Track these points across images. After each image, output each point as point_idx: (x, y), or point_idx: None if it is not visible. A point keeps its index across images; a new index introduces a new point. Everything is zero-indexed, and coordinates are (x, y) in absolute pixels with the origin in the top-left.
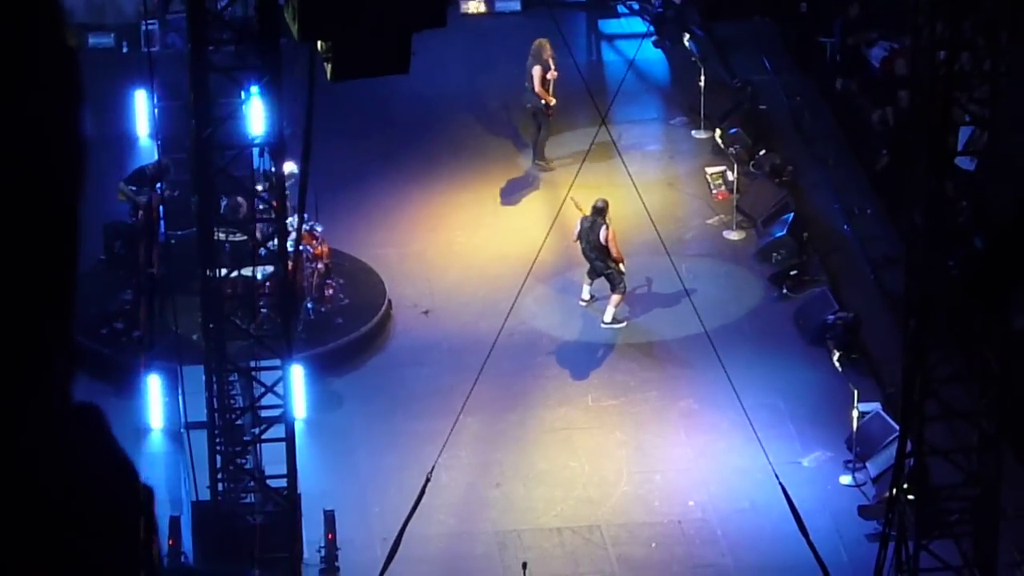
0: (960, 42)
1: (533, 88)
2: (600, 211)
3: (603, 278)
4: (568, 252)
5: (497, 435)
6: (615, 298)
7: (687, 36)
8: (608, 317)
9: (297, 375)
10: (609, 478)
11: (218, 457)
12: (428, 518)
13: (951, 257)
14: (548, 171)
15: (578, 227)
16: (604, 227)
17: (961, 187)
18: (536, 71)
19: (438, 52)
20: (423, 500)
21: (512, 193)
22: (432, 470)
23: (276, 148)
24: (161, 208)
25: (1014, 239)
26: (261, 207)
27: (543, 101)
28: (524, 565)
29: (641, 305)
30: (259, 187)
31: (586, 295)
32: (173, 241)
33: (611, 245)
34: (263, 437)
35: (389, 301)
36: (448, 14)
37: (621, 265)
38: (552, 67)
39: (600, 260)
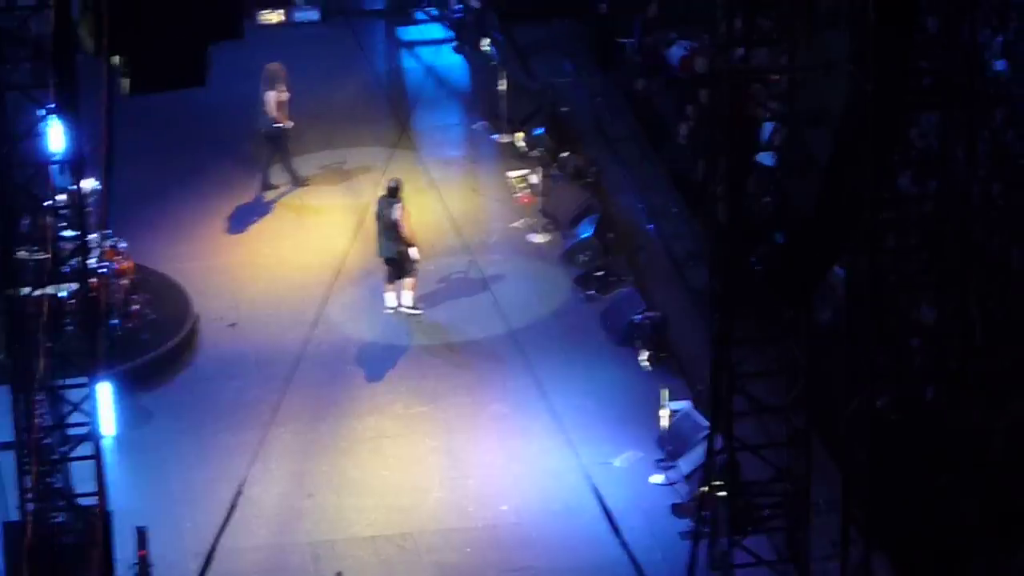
0: (757, 38)
1: (268, 112)
2: (394, 191)
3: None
4: (373, 260)
5: (308, 445)
6: (409, 281)
7: (487, 41)
8: (407, 301)
9: (105, 392)
10: (422, 485)
11: (27, 477)
12: (241, 531)
13: (754, 253)
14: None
15: (376, 207)
16: (399, 206)
17: (762, 183)
18: (271, 96)
19: (238, 63)
20: (235, 513)
21: (315, 204)
22: (243, 483)
23: (75, 165)
24: None
25: (814, 234)
26: (62, 224)
27: (280, 124)
28: (338, 575)
29: (449, 311)
30: (59, 204)
31: (391, 302)
32: None
33: (403, 224)
34: (72, 455)
35: (196, 315)
36: (245, 26)
37: (414, 250)
38: (283, 90)
39: (392, 240)
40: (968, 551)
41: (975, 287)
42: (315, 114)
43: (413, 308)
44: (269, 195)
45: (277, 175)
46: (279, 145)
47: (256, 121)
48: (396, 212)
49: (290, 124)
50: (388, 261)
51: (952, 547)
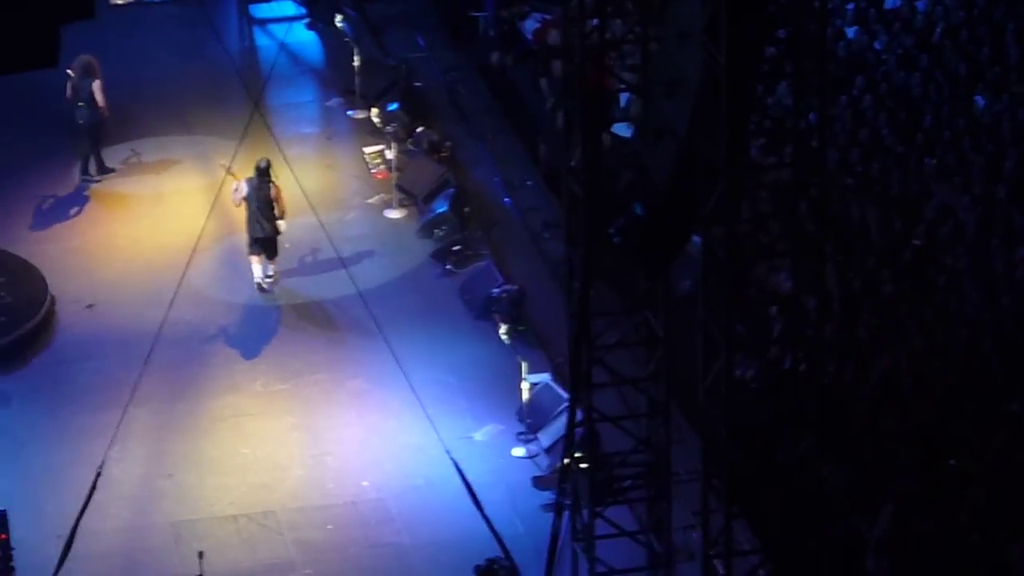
0: (610, 9)
1: (96, 103)
2: (265, 171)
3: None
4: (230, 238)
5: (167, 425)
6: (274, 257)
7: (340, 17)
8: (272, 272)
9: None
10: (282, 463)
11: None
12: (102, 512)
13: (611, 225)
14: (96, 181)
15: (243, 190)
16: (271, 185)
17: (619, 154)
18: (97, 84)
19: (90, 45)
20: (96, 495)
21: (170, 183)
22: (102, 464)
23: None
24: None
25: (671, 205)
26: None
27: (102, 114)
28: (200, 555)
29: (306, 287)
30: None
31: (258, 274)
32: None
33: (280, 201)
34: None
35: (52, 297)
36: (97, 5)
37: (282, 222)
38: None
39: (267, 219)
40: (829, 516)
41: (831, 255)
42: (167, 95)
43: (271, 277)
44: (107, 180)
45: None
46: (99, 134)
47: (76, 112)
48: (271, 191)
49: (107, 112)
50: (260, 241)
51: (813, 513)
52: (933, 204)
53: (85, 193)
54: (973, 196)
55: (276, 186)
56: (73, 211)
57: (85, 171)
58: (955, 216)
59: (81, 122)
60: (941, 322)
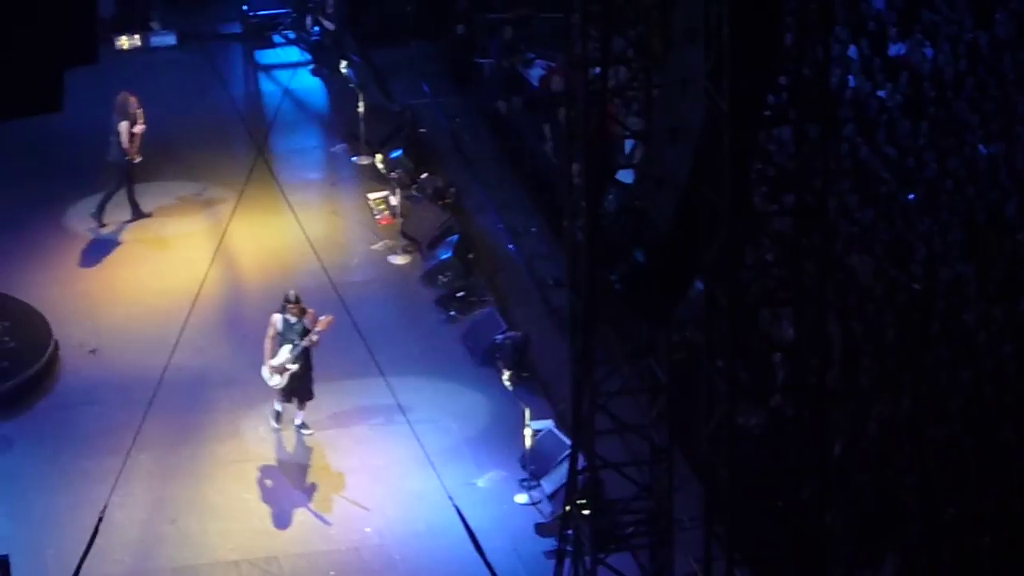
0: (613, 57)
1: (120, 143)
2: (297, 300)
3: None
4: (233, 284)
5: (170, 470)
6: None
7: (344, 63)
8: (306, 425)
9: None
10: (285, 508)
11: None
12: (104, 557)
13: (613, 271)
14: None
15: (277, 324)
16: (307, 313)
17: (621, 201)
18: (124, 126)
19: (96, 89)
20: (98, 540)
21: (174, 228)
22: (105, 509)
23: None
24: None
25: (673, 251)
26: None
27: (128, 157)
28: None
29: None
30: None
31: (284, 420)
32: None
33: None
34: None
35: (55, 341)
36: (102, 50)
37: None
38: (139, 121)
39: (305, 358)
40: (830, 564)
41: (833, 302)
42: (171, 140)
43: (309, 431)
44: (102, 230)
45: (113, 209)
46: (126, 178)
47: (106, 151)
48: (308, 319)
49: (139, 158)
50: (295, 377)
51: (815, 561)
52: (931, 250)
53: (91, 237)
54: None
55: (310, 312)
56: (76, 256)
57: (100, 211)
58: (954, 262)
59: (110, 160)
60: (943, 368)
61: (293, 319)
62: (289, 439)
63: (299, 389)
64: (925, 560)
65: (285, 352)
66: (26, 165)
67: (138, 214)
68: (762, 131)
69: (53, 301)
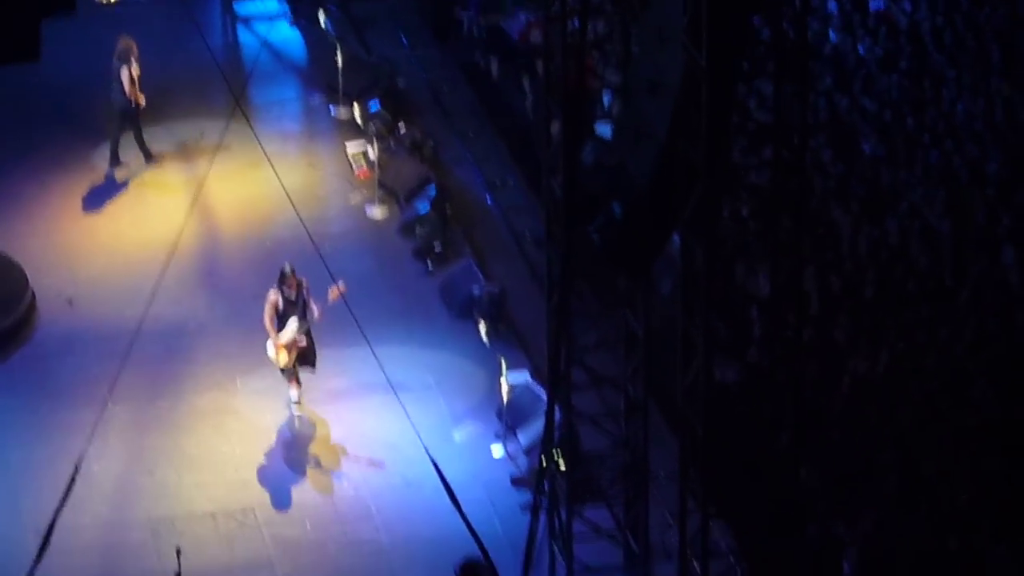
0: (591, 9)
1: (123, 89)
2: (293, 274)
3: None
4: (211, 235)
5: (148, 422)
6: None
7: (323, 14)
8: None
9: None
10: (261, 460)
11: None
12: (80, 508)
13: (591, 225)
14: (155, 162)
15: (277, 302)
16: (303, 287)
17: (599, 154)
18: (125, 71)
19: (75, 40)
20: (75, 490)
21: (151, 181)
22: (81, 460)
23: None
24: None
25: (650, 206)
26: None
27: (133, 101)
28: (178, 551)
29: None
30: None
31: (296, 396)
32: None
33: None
34: None
35: (32, 292)
36: (81, 2)
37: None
38: (135, 65)
39: (307, 331)
40: (806, 518)
41: (810, 257)
42: (148, 90)
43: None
44: (118, 172)
45: (125, 152)
46: (131, 122)
47: (109, 97)
48: (305, 293)
49: (142, 100)
50: (303, 352)
51: (790, 514)
52: (911, 205)
53: (68, 187)
54: (954, 198)
55: (305, 284)
56: (54, 206)
57: (114, 157)
58: (933, 218)
59: (115, 106)
60: (922, 325)
61: (292, 293)
62: (267, 392)
63: (306, 359)
64: (901, 515)
65: (292, 328)
66: (3, 116)
67: (149, 157)
68: (740, 85)
69: (30, 251)
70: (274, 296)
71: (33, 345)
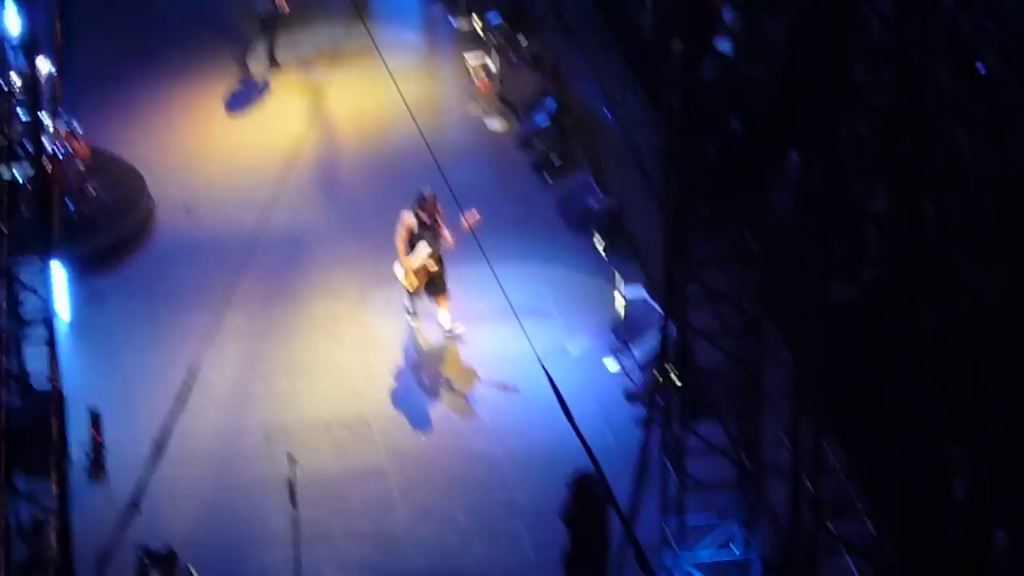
0: None
1: None
2: (433, 199)
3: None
4: (328, 144)
5: (263, 330)
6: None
7: None
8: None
9: (59, 275)
10: (376, 369)
11: None
12: (195, 414)
13: (709, 140)
14: (282, 73)
15: (412, 224)
16: (440, 213)
17: (719, 69)
18: None
19: None
20: (188, 396)
21: (272, 89)
22: (196, 366)
23: (28, 46)
24: None
25: (769, 122)
26: (16, 106)
27: (278, 8)
28: (291, 458)
29: (405, 198)
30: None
31: (447, 322)
32: None
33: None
34: (26, 338)
35: (151, 198)
36: None
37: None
38: None
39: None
40: (920, 437)
41: (929, 177)
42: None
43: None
44: (244, 78)
45: (254, 59)
46: (271, 29)
47: (255, 2)
48: (446, 233)
49: (286, 7)
50: (433, 278)
51: (903, 435)
52: None
53: (196, 93)
54: None
55: (440, 210)
56: (174, 114)
57: (272, 59)
58: None
59: (260, 12)
60: None
61: (427, 218)
62: (384, 301)
63: (437, 285)
64: (1017, 439)
65: (423, 253)
66: (127, 23)
67: (274, 64)
68: (861, 3)
69: (150, 158)
70: (409, 219)
71: (150, 251)
